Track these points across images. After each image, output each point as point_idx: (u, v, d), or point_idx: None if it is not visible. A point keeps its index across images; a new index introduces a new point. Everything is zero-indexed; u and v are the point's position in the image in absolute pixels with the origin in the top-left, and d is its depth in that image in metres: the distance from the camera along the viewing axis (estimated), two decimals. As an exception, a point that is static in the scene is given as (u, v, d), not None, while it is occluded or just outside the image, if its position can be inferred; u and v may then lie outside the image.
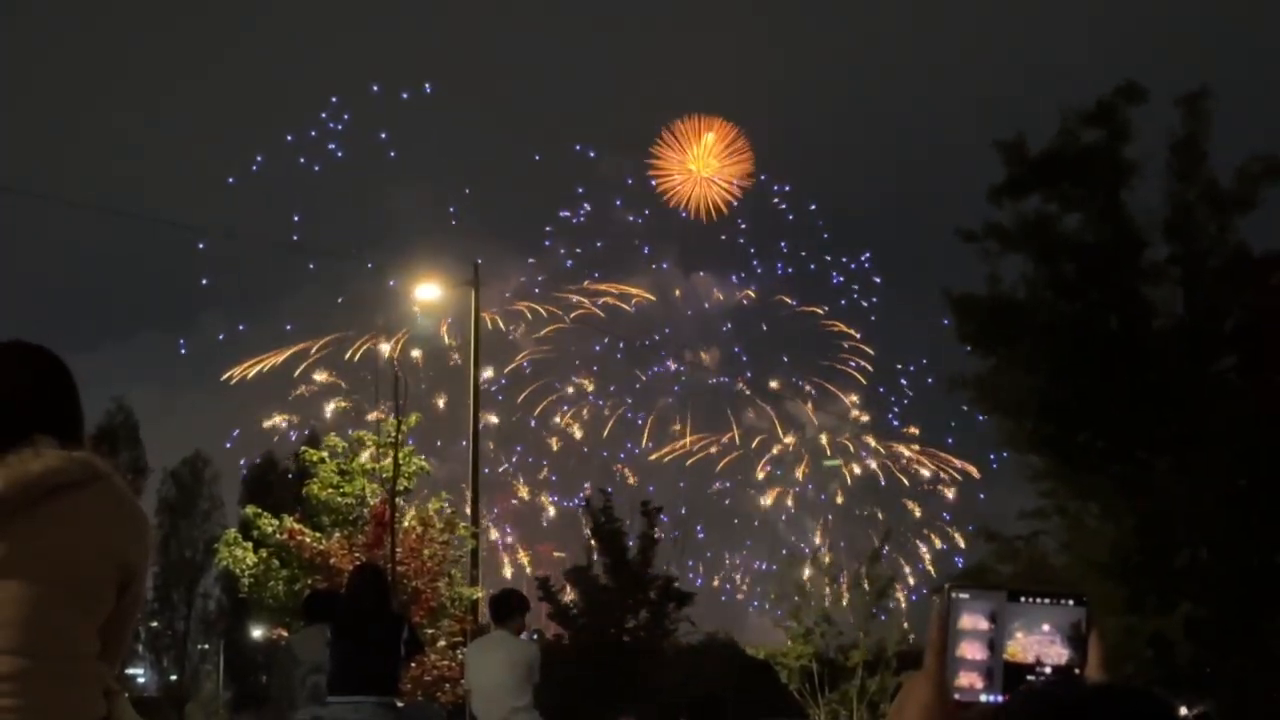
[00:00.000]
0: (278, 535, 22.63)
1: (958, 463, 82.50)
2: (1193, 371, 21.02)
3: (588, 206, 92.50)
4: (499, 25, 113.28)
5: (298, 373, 78.46)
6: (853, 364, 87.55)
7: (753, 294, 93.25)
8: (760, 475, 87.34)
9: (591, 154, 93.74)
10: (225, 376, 75.65)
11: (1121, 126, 21.74)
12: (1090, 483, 21.35)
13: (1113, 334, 21.52)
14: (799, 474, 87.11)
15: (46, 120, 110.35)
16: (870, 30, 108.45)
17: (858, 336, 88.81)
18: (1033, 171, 21.87)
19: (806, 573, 26.30)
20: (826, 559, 28.24)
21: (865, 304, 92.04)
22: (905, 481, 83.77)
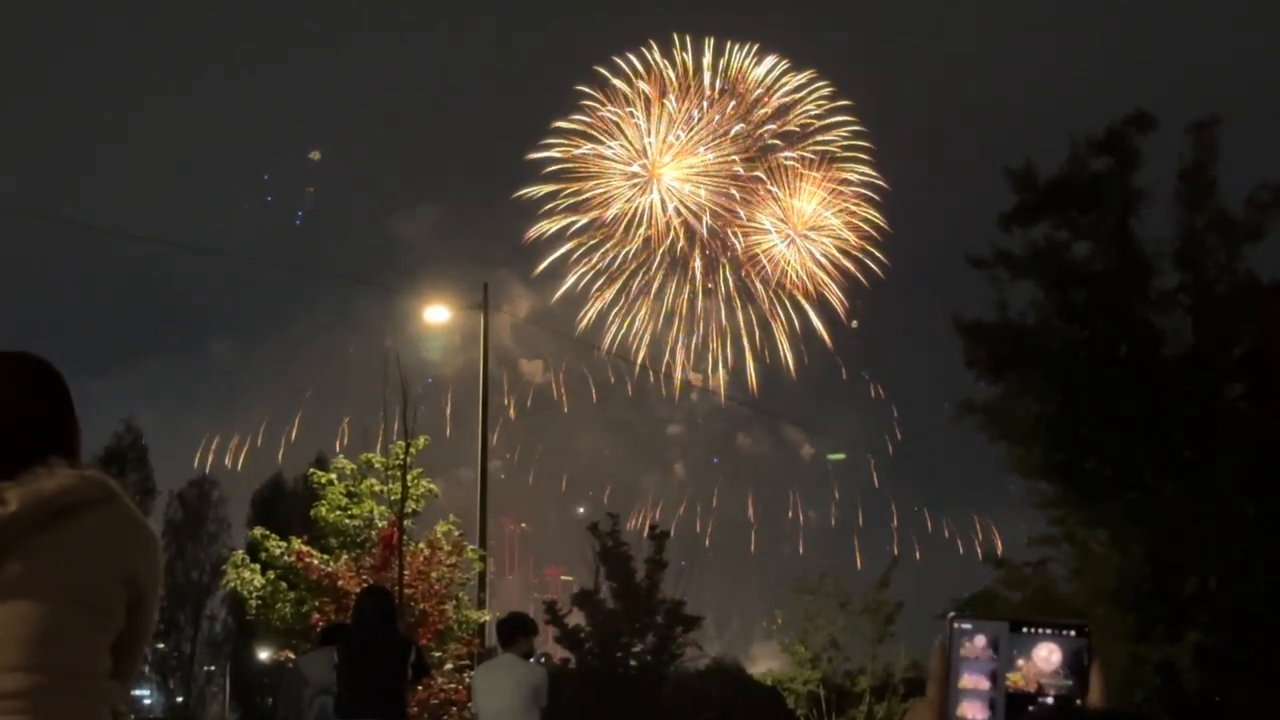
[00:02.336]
0: (285, 557, 22.60)
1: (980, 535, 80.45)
2: (1201, 399, 20.99)
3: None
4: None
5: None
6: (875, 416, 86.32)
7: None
8: (756, 507, 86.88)
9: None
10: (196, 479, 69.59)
11: (1130, 155, 21.76)
12: (1099, 510, 21.30)
13: (1121, 361, 21.50)
14: (793, 495, 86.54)
15: (50, 142, 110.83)
16: (870, 37, 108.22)
17: (877, 388, 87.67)
18: (1042, 199, 21.89)
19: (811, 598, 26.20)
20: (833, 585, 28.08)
21: (880, 342, 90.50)
22: (919, 555, 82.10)
